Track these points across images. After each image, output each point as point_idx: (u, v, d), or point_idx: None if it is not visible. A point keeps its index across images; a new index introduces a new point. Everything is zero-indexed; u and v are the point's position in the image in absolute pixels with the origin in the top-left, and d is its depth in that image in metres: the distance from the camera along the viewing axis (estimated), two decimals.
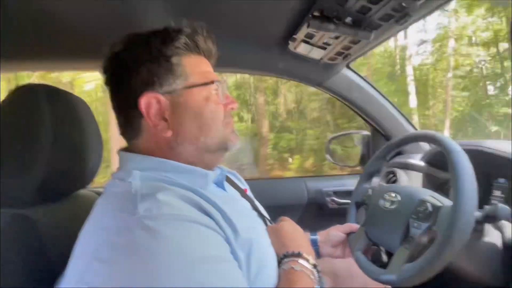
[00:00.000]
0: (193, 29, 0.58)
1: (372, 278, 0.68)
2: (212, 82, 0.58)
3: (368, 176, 0.91)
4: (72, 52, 1.02)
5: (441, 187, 0.99)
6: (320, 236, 0.85)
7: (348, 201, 1.34)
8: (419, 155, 1.12)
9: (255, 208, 0.71)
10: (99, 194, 0.82)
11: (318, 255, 0.84)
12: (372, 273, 0.68)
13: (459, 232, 0.56)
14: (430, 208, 0.64)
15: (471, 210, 0.57)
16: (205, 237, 0.45)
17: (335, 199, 1.37)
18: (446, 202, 0.65)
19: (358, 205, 0.89)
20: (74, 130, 0.65)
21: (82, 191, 0.77)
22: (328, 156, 1.52)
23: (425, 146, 1.26)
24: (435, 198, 0.67)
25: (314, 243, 0.83)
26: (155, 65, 0.54)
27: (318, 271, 0.58)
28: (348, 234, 0.84)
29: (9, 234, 0.53)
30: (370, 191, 0.84)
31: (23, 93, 0.62)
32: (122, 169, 0.56)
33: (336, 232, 0.84)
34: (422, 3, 0.68)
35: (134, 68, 0.54)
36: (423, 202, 0.66)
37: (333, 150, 1.53)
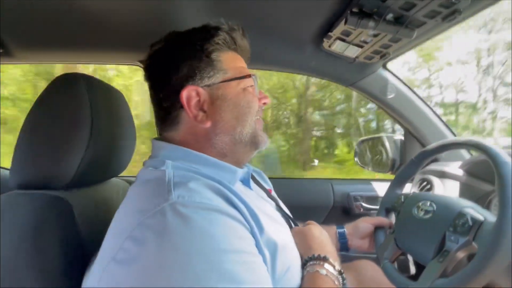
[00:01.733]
0: (231, 26, 0.61)
1: None
2: (248, 76, 0.60)
3: (401, 182, 0.88)
4: (103, 45, 1.06)
5: (482, 199, 0.92)
6: (347, 228, 0.84)
7: (376, 207, 1.31)
8: (457, 163, 1.05)
9: (280, 209, 0.71)
10: (128, 182, 0.86)
11: (347, 248, 0.83)
12: (400, 284, 0.66)
13: (502, 251, 0.52)
14: (470, 222, 0.59)
15: None
16: (232, 229, 0.45)
17: (363, 204, 1.33)
18: (489, 216, 0.60)
19: (388, 211, 0.86)
20: (111, 119, 0.67)
21: (113, 179, 0.80)
22: (356, 159, 1.47)
23: (464, 153, 1.18)
24: (476, 211, 0.63)
25: (343, 236, 0.83)
26: (196, 60, 0.57)
27: (343, 278, 0.57)
28: (376, 228, 0.82)
29: (46, 214, 0.56)
30: (402, 198, 0.81)
31: (64, 82, 0.64)
32: (155, 158, 0.58)
33: (365, 223, 0.83)
34: None
35: (176, 64, 0.57)
36: (462, 214, 0.62)
37: (362, 153, 1.48)
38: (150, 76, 0.62)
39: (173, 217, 0.42)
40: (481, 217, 0.59)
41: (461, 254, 0.60)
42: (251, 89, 0.61)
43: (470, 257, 0.58)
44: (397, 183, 0.88)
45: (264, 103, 0.64)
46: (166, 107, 0.59)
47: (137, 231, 0.42)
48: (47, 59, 1.17)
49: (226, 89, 0.58)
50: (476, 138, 0.69)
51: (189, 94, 0.56)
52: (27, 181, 0.60)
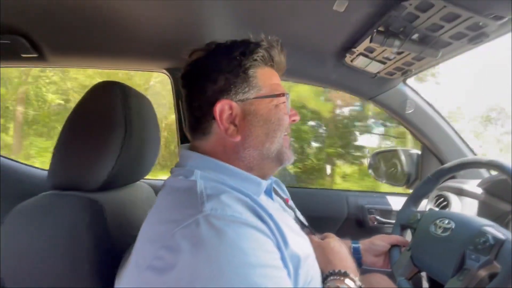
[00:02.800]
0: (270, 43, 0.61)
1: None
2: (282, 95, 0.61)
3: (416, 199, 0.88)
4: (132, 52, 1.10)
5: (500, 219, 0.91)
6: (362, 244, 0.84)
7: (390, 221, 1.30)
8: (475, 181, 1.04)
9: (298, 219, 0.72)
10: (151, 185, 0.89)
11: (360, 264, 0.82)
12: None
13: None
14: (491, 241, 0.59)
15: None
16: (260, 243, 0.46)
17: (377, 217, 1.32)
18: (510, 236, 0.60)
19: (403, 228, 0.85)
20: (141, 125, 0.70)
21: (138, 182, 0.83)
22: (370, 171, 1.47)
23: (483, 172, 1.17)
24: (496, 230, 0.63)
25: (357, 251, 0.82)
26: (233, 75, 0.58)
27: None
28: (392, 246, 0.81)
29: (80, 215, 0.58)
30: (418, 215, 0.80)
31: (101, 90, 0.68)
32: (183, 166, 0.60)
33: (380, 242, 0.82)
34: (501, 23, 0.63)
35: (213, 76, 0.58)
36: (483, 233, 0.62)
37: (377, 165, 1.48)
38: (187, 84, 0.62)
39: (207, 229, 0.43)
40: (502, 236, 0.59)
41: (482, 273, 0.59)
42: (282, 106, 0.61)
43: (492, 276, 0.57)
44: (413, 200, 0.87)
45: (294, 121, 0.65)
46: (198, 116, 0.59)
47: (172, 240, 0.43)
48: (78, 64, 1.22)
49: (258, 105, 0.59)
50: (497, 158, 0.70)
51: (223, 107, 0.57)
52: (62, 183, 0.63)
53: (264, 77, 0.60)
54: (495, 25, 0.64)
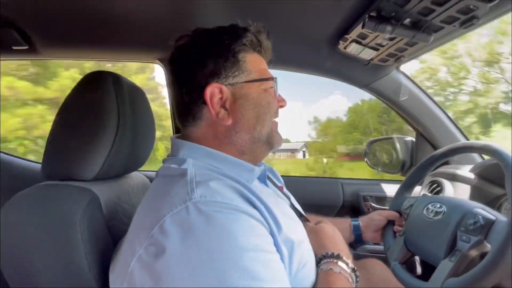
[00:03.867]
0: (258, 28, 0.61)
1: None
2: (270, 79, 0.62)
3: (410, 186, 0.89)
4: (125, 43, 1.09)
5: (492, 203, 0.92)
6: (362, 221, 0.87)
7: (385, 207, 1.32)
8: (468, 167, 1.06)
9: (293, 206, 0.73)
10: (146, 176, 0.89)
11: (361, 240, 0.85)
12: (412, 285, 0.66)
13: None
14: (482, 221, 0.61)
15: None
16: (252, 227, 0.47)
17: (372, 204, 1.34)
18: (500, 216, 0.61)
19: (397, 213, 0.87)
20: (135, 116, 0.70)
21: (133, 172, 0.83)
22: (366, 160, 1.48)
23: (476, 157, 1.18)
24: (487, 211, 0.64)
25: (357, 228, 0.86)
26: (222, 59, 0.58)
27: (356, 276, 0.58)
28: (389, 221, 0.84)
29: (76, 204, 0.58)
30: (411, 201, 0.82)
31: (93, 80, 0.67)
32: (175, 156, 0.60)
33: (378, 216, 0.86)
34: (492, 6, 0.63)
35: (202, 60, 0.58)
36: (473, 214, 0.63)
37: (373, 153, 1.49)
38: (174, 70, 0.62)
39: (196, 215, 0.44)
40: (492, 217, 0.61)
41: (473, 253, 0.61)
42: (271, 91, 0.62)
43: (482, 256, 0.58)
44: (406, 187, 0.89)
45: (281, 106, 0.65)
46: (187, 102, 0.59)
47: (162, 227, 0.44)
48: (70, 56, 1.21)
49: (248, 89, 0.59)
50: (486, 142, 0.70)
51: (213, 91, 0.57)
52: (57, 173, 0.63)
53: (253, 61, 0.61)
54: (485, 8, 0.64)
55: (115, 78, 0.68)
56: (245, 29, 0.60)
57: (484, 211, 0.63)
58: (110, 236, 0.63)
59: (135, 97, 0.72)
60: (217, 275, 0.40)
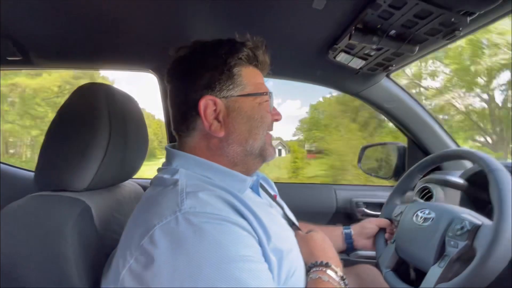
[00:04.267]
0: (255, 43, 0.63)
1: None
2: (265, 93, 0.63)
3: (400, 193, 0.90)
4: (118, 53, 1.10)
5: (482, 208, 0.94)
6: (353, 229, 0.87)
7: (378, 213, 1.32)
8: (459, 172, 1.07)
9: (286, 215, 0.73)
10: (140, 185, 0.90)
11: (353, 248, 0.86)
12: None
13: (500, 252, 0.54)
14: (468, 226, 0.62)
15: None
16: (240, 238, 0.48)
17: (365, 210, 1.35)
18: (486, 221, 0.63)
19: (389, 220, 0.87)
20: (127, 125, 0.71)
21: (126, 181, 0.84)
22: (360, 165, 1.49)
23: (466, 163, 1.20)
24: (473, 216, 0.65)
25: (349, 236, 0.86)
26: (218, 72, 0.59)
27: (345, 284, 0.59)
28: (380, 229, 0.85)
29: (67, 214, 0.59)
30: (401, 208, 0.83)
31: (85, 91, 0.68)
32: (168, 165, 0.61)
33: (370, 224, 0.87)
34: (472, 19, 0.66)
35: (198, 72, 0.59)
36: (461, 220, 0.64)
37: (366, 159, 1.51)
38: (172, 80, 0.63)
39: (185, 226, 0.45)
40: (478, 222, 0.62)
41: (461, 258, 0.62)
42: (265, 104, 0.62)
43: (470, 260, 0.59)
44: (397, 194, 0.90)
45: (276, 119, 0.66)
46: (183, 111, 0.60)
47: (152, 237, 0.45)
48: (63, 66, 1.22)
49: (242, 102, 0.60)
50: (472, 149, 0.72)
51: (207, 103, 0.58)
52: (49, 184, 0.64)
53: (249, 75, 0.62)
54: (466, 21, 0.66)
55: (107, 89, 0.69)
56: (243, 43, 0.61)
57: (471, 217, 0.65)
58: (103, 246, 0.63)
59: (127, 107, 0.73)
60: (205, 285, 0.41)
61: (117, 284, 0.47)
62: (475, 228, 0.61)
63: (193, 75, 0.59)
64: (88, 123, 0.65)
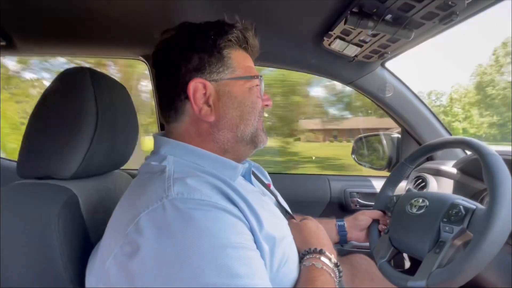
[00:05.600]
0: (245, 25, 0.61)
1: (399, 286, 0.66)
2: (256, 77, 0.61)
3: (393, 183, 0.89)
4: (107, 39, 1.07)
5: (475, 197, 0.94)
6: (347, 221, 0.87)
7: (372, 203, 1.33)
8: (452, 162, 1.07)
9: (279, 204, 0.72)
10: (130, 174, 0.88)
11: (346, 240, 0.86)
12: (399, 280, 0.66)
13: (496, 234, 0.54)
14: (463, 211, 0.62)
15: (508, 213, 0.55)
16: (230, 224, 0.46)
17: (359, 200, 1.35)
18: (480, 206, 0.63)
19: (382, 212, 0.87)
20: (115, 112, 0.69)
21: (116, 171, 0.82)
22: (353, 156, 1.49)
23: (459, 152, 1.20)
24: (467, 201, 0.65)
25: (342, 229, 0.86)
26: (207, 54, 0.57)
27: (339, 271, 0.59)
28: (373, 220, 0.85)
29: (52, 203, 0.57)
30: (394, 199, 0.83)
31: (70, 75, 0.66)
32: (157, 153, 0.59)
33: (364, 216, 0.86)
34: (470, 2, 0.64)
35: (186, 55, 0.57)
36: (455, 205, 0.64)
37: (360, 150, 1.51)
38: (158, 63, 0.61)
39: (172, 212, 0.43)
40: (473, 206, 0.62)
41: (457, 243, 0.62)
42: (256, 89, 0.61)
43: (466, 244, 0.59)
44: (389, 185, 0.89)
45: (267, 105, 0.64)
46: (170, 97, 0.58)
47: (138, 225, 0.43)
48: (50, 52, 1.18)
49: (233, 86, 0.58)
50: (466, 137, 0.72)
51: (196, 86, 0.56)
52: (33, 172, 0.61)
53: (239, 58, 0.60)
54: (463, 4, 0.65)
55: (94, 74, 0.66)
56: (232, 25, 0.59)
57: (465, 202, 0.65)
58: (90, 235, 0.61)
59: (115, 94, 0.71)
60: (193, 273, 0.40)
61: (102, 274, 0.46)
62: (470, 212, 0.61)
63: (181, 58, 0.57)
64: (74, 109, 0.62)
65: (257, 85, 0.61)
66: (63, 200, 0.58)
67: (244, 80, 0.59)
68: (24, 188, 0.59)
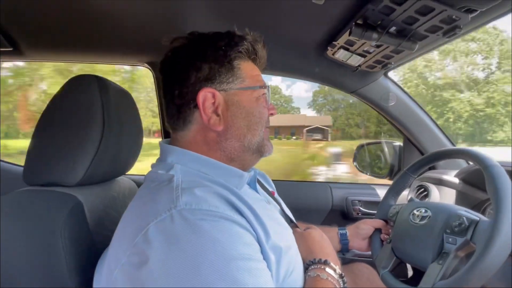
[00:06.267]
0: (254, 37, 0.62)
1: None
2: (263, 87, 0.61)
3: (395, 193, 0.90)
4: (112, 46, 1.08)
5: (477, 207, 0.94)
6: (349, 230, 0.87)
7: (373, 211, 1.33)
8: (454, 172, 1.08)
9: (283, 212, 0.73)
10: (134, 181, 0.88)
11: (347, 249, 0.86)
12: None
13: (500, 246, 0.54)
14: (466, 223, 0.62)
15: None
16: (238, 235, 0.46)
17: (360, 208, 1.35)
18: (483, 217, 0.63)
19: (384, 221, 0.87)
20: (121, 120, 0.69)
21: (120, 177, 0.82)
22: (355, 164, 1.49)
23: (461, 162, 1.21)
24: (470, 213, 0.65)
25: (344, 237, 0.86)
26: (218, 64, 0.57)
27: (344, 282, 0.59)
28: (376, 229, 0.85)
29: (58, 210, 0.57)
30: (396, 208, 0.82)
31: (77, 83, 0.66)
32: (163, 161, 0.59)
33: (365, 225, 0.86)
34: (474, 16, 0.65)
35: (196, 64, 0.57)
36: (458, 216, 0.64)
37: (362, 157, 1.51)
38: (167, 71, 0.61)
39: (181, 223, 0.43)
40: (476, 217, 0.62)
41: (460, 254, 0.62)
42: (262, 99, 0.62)
43: (469, 256, 0.59)
44: (391, 195, 0.90)
45: (271, 114, 0.65)
46: (179, 105, 0.58)
47: (146, 235, 0.43)
48: (56, 58, 1.19)
49: (241, 96, 0.59)
50: (468, 148, 0.72)
51: (206, 95, 0.56)
52: (38, 179, 0.62)
53: (247, 69, 0.60)
54: (467, 18, 0.65)
55: (101, 82, 0.67)
56: (242, 37, 0.60)
57: (468, 213, 0.65)
58: (95, 243, 0.61)
59: (121, 101, 0.71)
60: (201, 284, 0.40)
61: (109, 283, 0.46)
62: (473, 224, 0.61)
63: (192, 67, 0.57)
64: (81, 116, 0.63)
65: (263, 94, 0.62)
66: (69, 208, 0.58)
67: (252, 90, 0.60)
68: (31, 195, 0.60)
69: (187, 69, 0.58)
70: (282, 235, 0.57)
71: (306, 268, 0.58)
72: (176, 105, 0.59)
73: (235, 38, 0.59)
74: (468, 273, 0.55)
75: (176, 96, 0.59)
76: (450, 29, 0.70)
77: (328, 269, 0.57)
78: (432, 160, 0.82)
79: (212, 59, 0.57)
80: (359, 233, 0.86)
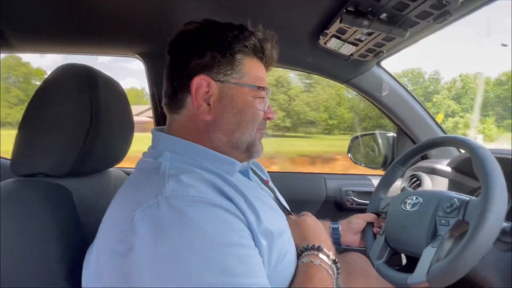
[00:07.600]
0: (265, 36, 0.61)
1: (399, 285, 0.66)
2: (262, 89, 0.60)
3: (385, 186, 0.90)
4: (103, 36, 1.06)
5: (469, 195, 0.95)
6: (341, 224, 0.87)
7: (367, 202, 1.34)
8: (446, 160, 1.08)
9: (277, 200, 0.72)
10: (126, 173, 0.87)
11: (339, 243, 0.86)
12: (398, 279, 0.66)
13: (491, 222, 0.55)
14: (457, 203, 0.63)
15: (502, 202, 0.56)
16: (226, 222, 0.46)
17: (354, 198, 1.36)
18: (474, 198, 0.63)
19: (375, 215, 0.87)
20: (110, 110, 0.68)
21: (112, 169, 0.81)
22: (350, 155, 1.50)
23: (453, 151, 1.21)
24: (461, 195, 0.66)
25: (336, 231, 0.85)
26: (220, 54, 0.57)
27: (337, 268, 0.59)
28: (368, 223, 0.85)
29: (46, 201, 0.57)
30: (388, 200, 0.83)
31: (65, 72, 0.65)
32: (154, 148, 0.59)
33: (358, 220, 0.86)
34: (463, 1, 0.65)
35: (201, 50, 0.57)
36: (449, 198, 0.65)
37: (356, 149, 1.51)
38: (174, 52, 0.61)
39: (167, 210, 0.43)
40: (467, 198, 0.63)
41: (454, 234, 0.62)
42: (260, 101, 0.60)
43: (463, 235, 0.59)
44: (382, 187, 0.90)
45: (268, 118, 0.64)
46: (175, 86, 0.58)
47: (132, 223, 0.43)
48: (45, 50, 1.16)
49: (237, 91, 0.58)
50: (459, 135, 0.72)
51: (200, 82, 0.56)
52: (27, 170, 0.61)
53: (250, 66, 0.59)
54: (457, 3, 0.65)
55: (89, 71, 0.66)
56: (252, 32, 0.59)
57: (458, 195, 0.66)
58: (84, 232, 0.61)
59: (110, 91, 0.70)
60: (188, 272, 0.40)
61: (97, 272, 0.46)
62: (464, 203, 0.62)
63: (196, 52, 0.57)
64: (68, 106, 0.62)
65: (262, 97, 0.61)
66: (57, 198, 0.58)
67: (250, 88, 0.59)
68: (19, 185, 0.59)
69: (190, 52, 0.58)
70: (275, 219, 0.57)
71: (299, 254, 0.58)
72: (173, 86, 0.59)
73: (245, 33, 0.58)
74: (463, 251, 0.55)
75: (175, 77, 0.59)
76: (441, 15, 0.70)
77: (321, 255, 0.57)
78: (420, 151, 0.83)
79: (216, 48, 0.57)
80: (351, 227, 0.85)
